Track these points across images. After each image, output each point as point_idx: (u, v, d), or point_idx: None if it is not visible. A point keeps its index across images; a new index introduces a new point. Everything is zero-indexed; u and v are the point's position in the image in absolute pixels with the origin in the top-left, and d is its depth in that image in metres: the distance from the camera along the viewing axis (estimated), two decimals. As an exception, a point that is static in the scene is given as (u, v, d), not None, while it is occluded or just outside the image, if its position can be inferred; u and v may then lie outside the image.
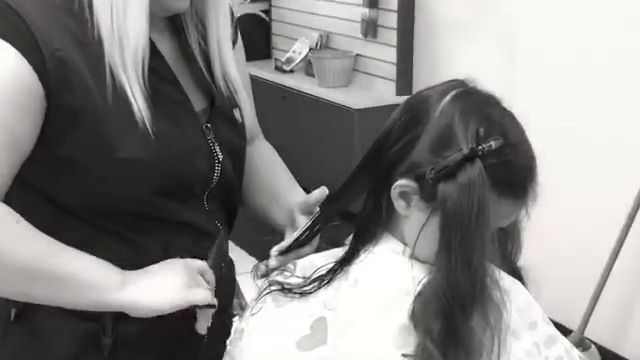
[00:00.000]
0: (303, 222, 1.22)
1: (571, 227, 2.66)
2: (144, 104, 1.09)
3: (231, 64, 1.22)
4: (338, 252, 1.13)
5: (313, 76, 3.50)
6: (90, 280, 1.05)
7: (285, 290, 1.12)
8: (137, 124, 1.09)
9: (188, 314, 1.15)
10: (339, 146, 3.32)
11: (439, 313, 0.96)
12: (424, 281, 1.01)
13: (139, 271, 1.10)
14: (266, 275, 1.18)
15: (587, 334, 2.65)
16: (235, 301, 1.33)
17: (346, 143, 3.29)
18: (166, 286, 1.09)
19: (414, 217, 1.04)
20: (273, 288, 1.13)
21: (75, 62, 1.06)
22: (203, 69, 1.21)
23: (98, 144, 1.09)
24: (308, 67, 3.60)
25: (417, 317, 0.98)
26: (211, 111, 1.22)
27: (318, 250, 1.21)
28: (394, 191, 1.04)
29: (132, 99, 1.08)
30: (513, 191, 1.03)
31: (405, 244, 1.07)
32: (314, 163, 3.23)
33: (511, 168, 1.01)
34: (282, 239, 1.25)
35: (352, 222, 1.12)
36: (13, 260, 1.01)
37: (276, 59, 3.74)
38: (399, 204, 1.05)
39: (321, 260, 1.14)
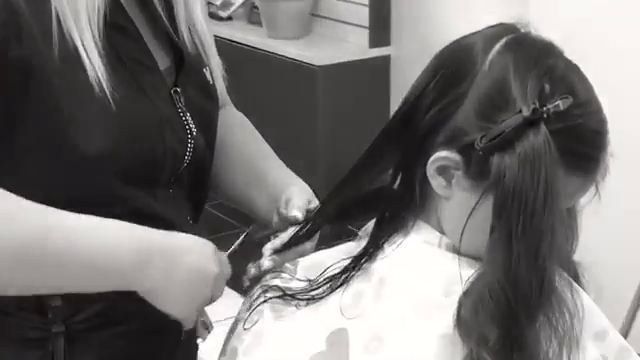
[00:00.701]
0: (297, 213, 1.16)
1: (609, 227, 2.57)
2: (99, 62, 1.03)
3: (198, 12, 1.18)
4: (351, 247, 1.07)
5: (259, 24, 3.37)
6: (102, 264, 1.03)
7: (287, 297, 1.06)
8: (92, 88, 1.03)
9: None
10: (298, 114, 3.27)
11: (496, 317, 0.92)
12: (472, 279, 0.95)
13: (167, 252, 1.05)
14: (258, 279, 1.12)
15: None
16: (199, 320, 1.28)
17: (307, 110, 3.22)
18: (186, 301, 1.07)
19: (456, 199, 0.99)
20: (270, 295, 1.07)
21: (19, 4, 1.01)
22: (164, 18, 1.15)
23: (51, 116, 1.03)
24: (251, 13, 3.46)
25: (467, 323, 0.93)
26: (178, 71, 1.15)
27: (320, 246, 1.16)
28: (431, 166, 0.98)
29: (84, 55, 1.03)
30: (582, 163, 0.97)
31: (442, 233, 1.01)
32: (266, 137, 3.17)
33: (580, 134, 0.96)
34: (270, 233, 1.18)
35: (370, 209, 1.05)
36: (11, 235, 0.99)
37: (209, 3, 3.57)
38: (437, 183, 0.98)
39: (329, 258, 1.08)
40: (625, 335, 2.56)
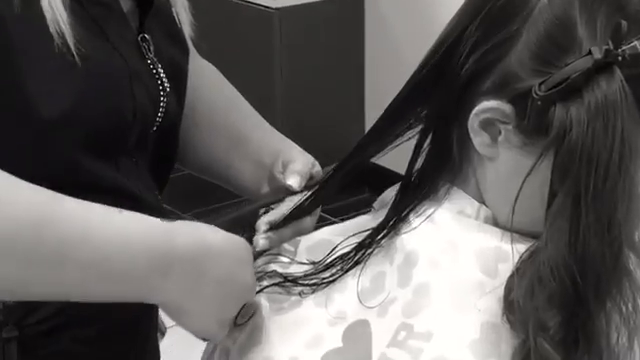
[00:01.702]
0: (294, 180, 1.12)
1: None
2: (59, 3, 0.99)
3: None
4: (364, 222, 1.04)
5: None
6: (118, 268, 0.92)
7: (287, 283, 1.02)
8: (52, 38, 0.99)
9: None
10: (253, 66, 3.28)
11: (557, 300, 0.89)
12: (525, 255, 0.93)
13: (193, 258, 0.95)
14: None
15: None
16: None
17: (263, 58, 3.24)
18: (213, 317, 0.98)
19: (502, 160, 0.95)
20: (267, 283, 1.03)
21: None
22: None
23: (4, 70, 0.98)
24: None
25: (520, 308, 0.90)
26: (143, 15, 1.11)
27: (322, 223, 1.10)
28: (475, 119, 0.94)
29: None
30: None
31: (480, 202, 0.98)
32: None
33: None
34: (261, 205, 1.13)
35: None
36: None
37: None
38: (481, 140, 0.95)
39: (337, 235, 1.04)
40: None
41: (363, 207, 1.09)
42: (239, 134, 1.23)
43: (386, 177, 1.13)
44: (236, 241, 0.98)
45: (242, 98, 1.29)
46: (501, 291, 0.92)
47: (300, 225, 1.09)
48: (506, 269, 0.93)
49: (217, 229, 0.97)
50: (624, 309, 0.90)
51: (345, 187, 1.07)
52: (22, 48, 0.98)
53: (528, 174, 0.92)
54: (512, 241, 0.94)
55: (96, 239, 0.90)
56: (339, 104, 3.38)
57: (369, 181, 1.95)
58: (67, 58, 0.99)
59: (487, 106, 0.93)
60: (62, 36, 0.99)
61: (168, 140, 1.16)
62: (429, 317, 0.93)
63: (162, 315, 1.18)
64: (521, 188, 0.93)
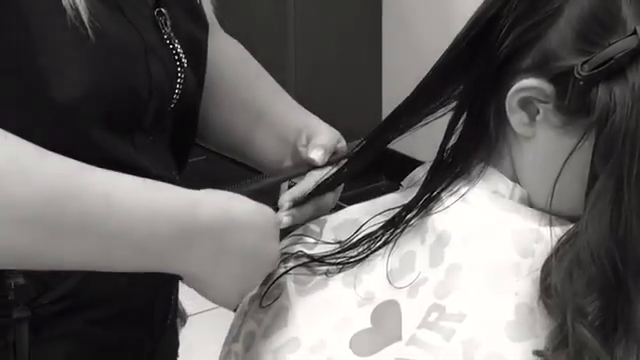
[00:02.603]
0: (317, 153, 1.12)
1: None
2: None
3: None
4: (393, 200, 1.04)
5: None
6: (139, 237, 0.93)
7: (313, 263, 1.01)
8: (64, 11, 0.97)
9: None
10: (266, 45, 3.23)
11: (597, 285, 0.89)
12: (564, 237, 0.93)
13: (217, 228, 0.95)
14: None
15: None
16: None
17: (277, 36, 3.22)
18: (234, 287, 0.99)
19: (539, 139, 0.95)
20: (292, 264, 1.02)
21: None
22: None
23: (18, 52, 0.97)
24: None
25: (558, 292, 0.90)
26: None
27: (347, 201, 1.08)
28: (513, 97, 0.94)
29: None
30: None
31: (516, 182, 0.98)
32: None
33: None
34: (283, 179, 1.12)
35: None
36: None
37: None
38: (519, 118, 0.95)
39: (365, 214, 1.04)
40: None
41: (380, 195, 1.07)
42: (262, 110, 1.22)
43: (404, 164, 1.11)
44: (265, 212, 0.98)
45: (266, 73, 1.27)
46: (537, 273, 0.92)
47: (321, 202, 1.09)
48: (542, 250, 0.93)
49: (246, 199, 0.97)
50: None
51: (363, 173, 1.07)
52: (34, 22, 0.97)
53: (570, 155, 0.92)
54: (550, 223, 0.94)
55: (119, 212, 0.90)
56: (355, 83, 3.36)
57: (386, 168, 1.93)
58: (80, 32, 0.98)
59: (526, 84, 0.93)
60: (75, 9, 0.98)
61: (187, 118, 1.15)
62: (462, 298, 0.93)
63: (184, 303, 1.20)
64: (562, 169, 0.93)
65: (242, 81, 1.26)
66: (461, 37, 0.97)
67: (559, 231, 0.94)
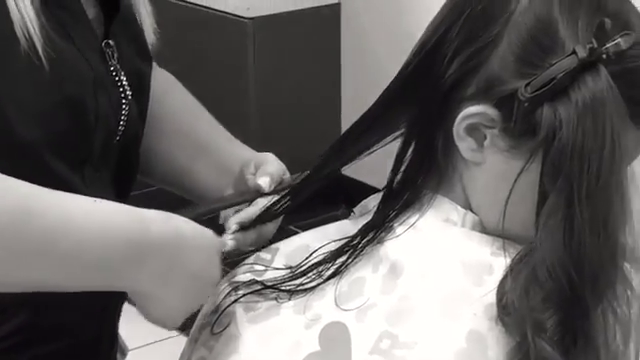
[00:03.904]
0: (264, 180, 1.14)
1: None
2: (28, 5, 0.99)
3: None
4: (344, 227, 1.04)
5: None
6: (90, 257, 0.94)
7: (264, 290, 1.02)
8: (17, 40, 0.99)
9: None
10: (226, 78, 3.26)
11: (554, 299, 0.89)
12: (518, 256, 0.93)
13: (167, 250, 0.98)
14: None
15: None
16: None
17: (237, 73, 3.20)
18: (180, 309, 1.00)
19: (490, 164, 0.96)
20: (243, 292, 1.03)
21: None
22: None
23: None
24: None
25: (516, 309, 0.90)
26: (107, 20, 1.11)
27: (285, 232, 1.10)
28: (460, 125, 0.95)
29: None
30: None
31: (466, 208, 0.99)
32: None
33: (638, 78, 0.94)
34: (222, 208, 1.14)
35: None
36: None
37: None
38: (466, 145, 0.96)
39: (316, 241, 1.04)
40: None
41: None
42: (202, 140, 1.25)
43: (363, 192, 1.12)
44: (207, 234, 1.00)
45: (202, 106, 1.31)
46: (488, 299, 0.92)
47: (263, 229, 1.11)
48: (492, 280, 0.93)
49: (188, 220, 1.00)
50: (619, 309, 0.91)
51: (320, 201, 1.08)
52: None
53: (518, 176, 0.93)
54: (504, 247, 0.95)
55: (77, 231, 0.92)
56: (315, 116, 3.38)
57: (344, 196, 1.93)
58: (34, 61, 0.99)
59: (472, 111, 0.94)
60: (30, 39, 0.99)
61: (130, 152, 1.15)
62: (415, 326, 0.94)
63: (123, 336, 1.21)
64: (511, 191, 0.94)
65: (181, 112, 1.28)
66: (405, 67, 0.98)
67: (512, 253, 0.94)
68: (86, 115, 1.05)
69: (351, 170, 1.05)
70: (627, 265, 0.94)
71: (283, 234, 1.09)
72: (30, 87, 1.00)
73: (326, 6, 3.28)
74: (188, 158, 1.24)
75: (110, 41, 1.09)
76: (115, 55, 1.10)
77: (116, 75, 1.10)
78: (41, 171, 1.00)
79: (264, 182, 1.12)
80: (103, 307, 1.10)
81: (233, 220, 1.09)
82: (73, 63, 1.04)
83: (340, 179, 1.09)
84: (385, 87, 1.01)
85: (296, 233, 1.10)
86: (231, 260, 1.11)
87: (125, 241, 0.94)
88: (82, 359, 1.11)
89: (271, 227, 1.12)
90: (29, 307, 1.02)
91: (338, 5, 3.30)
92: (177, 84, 1.32)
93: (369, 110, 1.01)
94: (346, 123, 3.54)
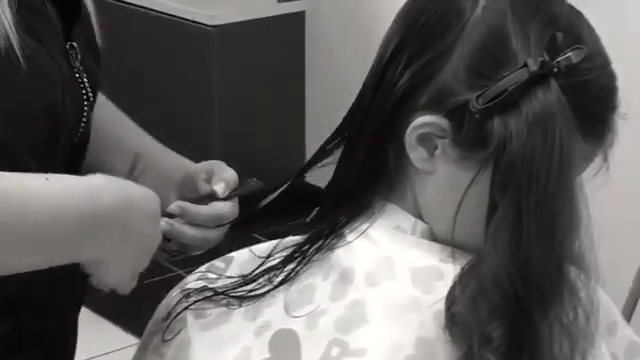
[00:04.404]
0: (220, 186, 1.15)
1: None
2: (5, 6, 1.00)
3: None
4: (300, 238, 1.04)
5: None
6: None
7: (215, 296, 1.02)
8: None
9: None
10: (189, 86, 3.25)
11: (501, 311, 0.90)
12: (467, 267, 0.94)
13: (120, 218, 0.99)
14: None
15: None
16: None
17: (199, 82, 3.19)
18: (131, 269, 1.02)
19: (440, 173, 0.97)
20: (194, 298, 1.03)
21: None
22: None
23: None
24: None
25: (464, 320, 0.91)
26: (68, 23, 1.12)
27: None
28: (412, 134, 0.96)
29: None
30: (593, 126, 0.97)
31: (419, 217, 0.99)
32: (148, 114, 2.94)
33: (591, 91, 0.95)
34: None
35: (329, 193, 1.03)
36: None
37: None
38: (417, 154, 0.97)
39: (269, 251, 1.05)
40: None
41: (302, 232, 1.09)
42: (140, 150, 1.24)
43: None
44: (152, 196, 1.02)
45: (129, 119, 1.32)
46: (437, 306, 0.93)
47: (207, 234, 1.13)
48: (442, 285, 0.94)
49: (136, 185, 1.02)
50: (565, 319, 0.91)
51: (286, 211, 1.09)
52: None
53: (468, 187, 0.94)
54: (453, 255, 0.96)
55: (33, 213, 0.92)
56: (279, 124, 3.37)
57: (309, 205, 1.94)
58: (12, 61, 1.00)
59: (423, 121, 0.95)
60: (7, 39, 1.00)
61: (81, 154, 1.16)
62: (364, 334, 0.94)
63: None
64: (462, 201, 0.94)
65: (112, 124, 1.28)
66: (366, 78, 0.99)
67: (461, 262, 0.95)
68: (56, 116, 1.05)
69: (317, 179, 1.07)
70: (581, 275, 0.94)
71: (248, 243, 1.09)
72: (6, 86, 1.00)
73: (291, 14, 3.29)
74: (125, 167, 1.23)
75: (74, 43, 1.10)
76: (79, 57, 1.11)
77: (79, 77, 1.11)
78: (14, 169, 0.99)
79: (220, 188, 1.13)
80: (75, 315, 1.11)
81: (176, 204, 1.12)
82: (44, 64, 1.05)
83: (306, 187, 1.09)
84: (349, 94, 1.02)
85: (261, 241, 1.10)
86: (177, 258, 1.15)
87: (79, 218, 0.95)
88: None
89: (215, 234, 1.13)
90: (17, 310, 1.03)
91: (303, 13, 3.30)
92: (101, 96, 1.32)
93: (331, 135, 1.02)
94: (310, 130, 3.56)
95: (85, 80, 1.11)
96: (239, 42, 3.20)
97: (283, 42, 3.30)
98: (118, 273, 1.01)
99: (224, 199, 1.13)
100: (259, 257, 1.04)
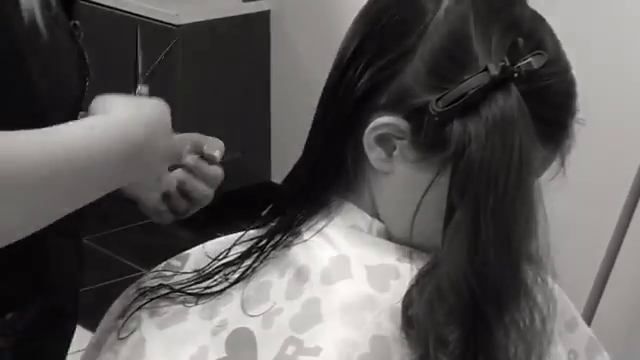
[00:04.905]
0: (219, 154, 1.18)
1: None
2: None
3: None
4: (255, 233, 1.03)
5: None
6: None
7: (171, 294, 1.01)
8: (23, 21, 1.00)
9: None
10: (154, 80, 3.24)
11: (457, 315, 0.89)
12: (424, 269, 0.93)
13: (151, 144, 1.02)
14: None
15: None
16: None
17: (164, 81, 3.18)
18: (156, 187, 1.11)
19: (398, 174, 0.96)
20: (151, 296, 1.02)
21: None
22: None
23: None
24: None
25: (420, 323, 0.90)
26: (68, 3, 1.13)
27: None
28: (370, 134, 0.95)
29: None
30: (552, 132, 0.97)
31: (376, 216, 0.99)
32: None
33: (551, 97, 0.95)
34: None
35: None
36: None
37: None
38: (376, 154, 0.96)
39: (226, 247, 1.03)
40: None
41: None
42: None
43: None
44: (163, 106, 1.04)
45: None
46: (393, 305, 0.92)
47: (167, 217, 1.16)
48: (398, 284, 0.93)
49: (144, 100, 1.06)
50: (521, 323, 0.90)
51: (250, 209, 1.08)
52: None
53: (427, 189, 0.93)
54: (410, 254, 0.96)
55: (82, 160, 0.95)
56: (244, 123, 3.36)
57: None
58: (39, 40, 1.01)
59: (382, 122, 0.94)
60: (32, 13, 1.00)
61: None
62: (319, 332, 0.93)
63: None
64: (420, 203, 0.94)
65: None
66: (328, 77, 0.99)
67: (418, 263, 0.94)
68: (71, 94, 1.08)
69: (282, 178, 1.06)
70: (538, 277, 0.94)
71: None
72: (37, 66, 1.02)
73: (255, 13, 3.28)
74: None
75: (77, 22, 1.12)
76: (81, 35, 1.12)
77: (83, 56, 1.12)
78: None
79: (218, 153, 1.17)
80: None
81: (192, 156, 1.15)
82: (62, 39, 1.07)
83: (270, 187, 1.10)
84: (314, 93, 1.02)
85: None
86: (181, 217, 1.17)
87: (122, 157, 0.98)
88: None
89: (211, 194, 1.15)
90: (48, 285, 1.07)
91: (267, 12, 3.30)
92: None
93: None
94: (275, 129, 3.55)
95: (87, 60, 1.13)
96: (204, 41, 3.20)
97: (248, 41, 3.30)
98: (151, 191, 1.07)
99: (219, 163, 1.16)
100: (209, 257, 1.03)
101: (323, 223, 0.99)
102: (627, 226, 2.56)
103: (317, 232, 0.98)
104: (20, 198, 0.91)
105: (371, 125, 0.94)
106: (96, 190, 0.98)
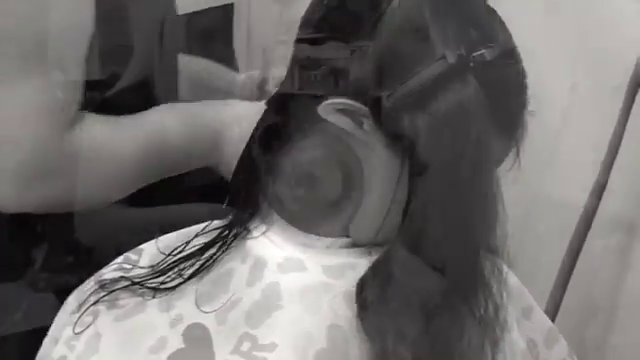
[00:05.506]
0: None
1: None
2: None
3: None
4: (212, 225, 1.04)
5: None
6: None
7: (131, 287, 1.00)
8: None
9: None
10: None
11: (415, 308, 0.89)
12: (378, 259, 0.94)
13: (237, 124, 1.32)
14: None
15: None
16: None
17: None
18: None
19: (378, 153, 0.93)
20: (109, 289, 1.01)
21: None
22: None
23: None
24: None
25: (376, 315, 0.91)
26: None
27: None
28: (327, 107, 0.91)
29: None
30: (506, 122, 0.97)
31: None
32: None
33: (505, 88, 0.95)
34: None
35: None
36: None
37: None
38: (343, 121, 0.92)
39: (179, 241, 1.03)
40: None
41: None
42: None
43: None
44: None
45: None
46: (349, 290, 0.93)
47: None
48: (355, 274, 0.94)
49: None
50: (477, 312, 0.91)
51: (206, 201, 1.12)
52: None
53: (398, 181, 0.92)
54: (369, 251, 0.96)
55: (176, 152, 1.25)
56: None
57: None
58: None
59: (340, 100, 0.91)
60: None
61: None
62: (274, 327, 0.93)
63: None
64: (395, 193, 0.92)
65: None
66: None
67: (374, 255, 0.95)
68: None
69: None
70: (495, 267, 0.94)
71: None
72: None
73: (219, 7, 3.27)
74: None
75: None
76: None
77: None
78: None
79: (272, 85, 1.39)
80: None
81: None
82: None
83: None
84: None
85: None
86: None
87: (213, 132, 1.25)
88: None
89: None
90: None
91: (231, 6, 3.30)
92: None
93: None
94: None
95: None
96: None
97: (211, 35, 3.29)
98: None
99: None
100: (163, 253, 1.03)
101: (264, 228, 0.99)
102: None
103: (262, 234, 0.99)
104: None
105: (326, 102, 0.91)
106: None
